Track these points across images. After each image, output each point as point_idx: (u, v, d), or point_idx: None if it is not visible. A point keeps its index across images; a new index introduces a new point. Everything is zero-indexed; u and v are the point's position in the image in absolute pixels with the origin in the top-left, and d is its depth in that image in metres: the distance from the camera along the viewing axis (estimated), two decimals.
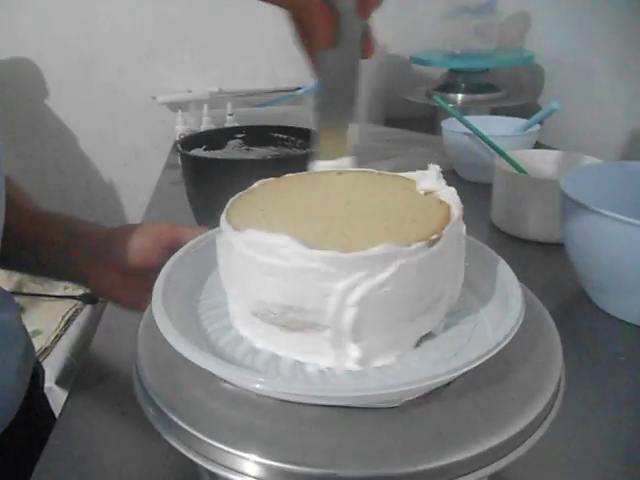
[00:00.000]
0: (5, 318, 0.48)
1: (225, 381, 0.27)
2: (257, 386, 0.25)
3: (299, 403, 0.26)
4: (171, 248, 0.44)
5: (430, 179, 0.32)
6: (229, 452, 0.24)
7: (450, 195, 0.31)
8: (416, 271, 0.27)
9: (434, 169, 0.33)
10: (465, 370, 0.25)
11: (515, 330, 0.27)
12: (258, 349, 0.30)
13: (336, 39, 0.35)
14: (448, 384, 0.26)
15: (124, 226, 0.48)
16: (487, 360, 0.26)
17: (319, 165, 0.38)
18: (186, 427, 0.25)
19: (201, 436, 0.24)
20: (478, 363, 0.25)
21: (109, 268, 0.46)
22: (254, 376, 0.25)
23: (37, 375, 0.56)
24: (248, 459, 0.23)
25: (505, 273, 0.32)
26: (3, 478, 0.48)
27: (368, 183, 0.35)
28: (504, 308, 0.30)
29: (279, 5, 0.35)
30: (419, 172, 0.34)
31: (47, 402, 0.60)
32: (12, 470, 0.47)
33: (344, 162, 0.38)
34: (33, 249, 0.47)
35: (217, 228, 0.32)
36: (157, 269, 0.45)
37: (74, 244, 0.47)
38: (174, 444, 0.25)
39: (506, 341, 0.26)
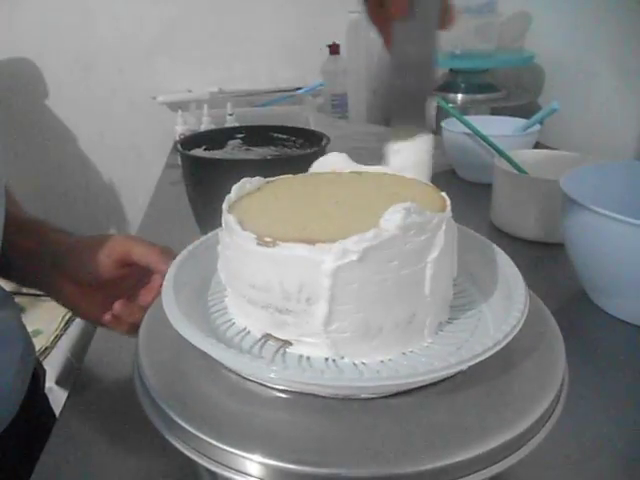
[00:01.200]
0: (5, 318, 0.48)
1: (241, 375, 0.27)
2: (271, 375, 0.25)
3: (300, 402, 0.26)
4: (123, 262, 0.43)
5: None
6: (230, 451, 0.24)
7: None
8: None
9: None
10: (476, 361, 0.25)
11: (521, 324, 0.27)
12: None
13: (411, 9, 0.34)
14: (449, 384, 0.26)
15: (84, 237, 0.47)
16: (488, 361, 0.26)
17: (395, 148, 0.36)
18: (187, 426, 0.25)
19: (202, 435, 0.24)
20: (489, 354, 0.25)
21: (67, 280, 0.45)
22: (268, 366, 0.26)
23: (38, 375, 0.56)
24: (249, 458, 0.23)
25: (508, 267, 0.33)
26: (3, 478, 0.48)
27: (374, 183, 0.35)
28: (507, 302, 0.30)
29: None
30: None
31: (48, 402, 0.60)
32: (12, 470, 0.47)
33: (420, 142, 0.36)
34: (5, 254, 0.46)
35: (214, 231, 0.33)
36: (113, 282, 0.45)
37: (41, 253, 0.46)
38: (175, 443, 0.25)
39: (513, 334, 0.26)
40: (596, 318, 0.56)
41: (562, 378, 0.27)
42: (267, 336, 0.30)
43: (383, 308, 0.28)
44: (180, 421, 0.25)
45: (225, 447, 0.24)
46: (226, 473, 0.24)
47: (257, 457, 0.23)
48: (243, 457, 0.23)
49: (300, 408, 0.26)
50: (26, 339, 0.52)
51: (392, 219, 0.26)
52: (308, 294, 0.27)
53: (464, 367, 0.25)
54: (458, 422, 0.25)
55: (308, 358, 0.29)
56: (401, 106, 0.37)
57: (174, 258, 0.35)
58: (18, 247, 0.47)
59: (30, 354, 0.53)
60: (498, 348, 0.26)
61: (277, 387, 0.27)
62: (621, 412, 0.44)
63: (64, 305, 0.48)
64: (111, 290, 0.45)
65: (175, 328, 0.28)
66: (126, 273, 0.44)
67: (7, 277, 0.50)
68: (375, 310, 0.28)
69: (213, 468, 0.24)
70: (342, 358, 0.29)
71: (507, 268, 0.33)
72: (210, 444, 0.24)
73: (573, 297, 0.59)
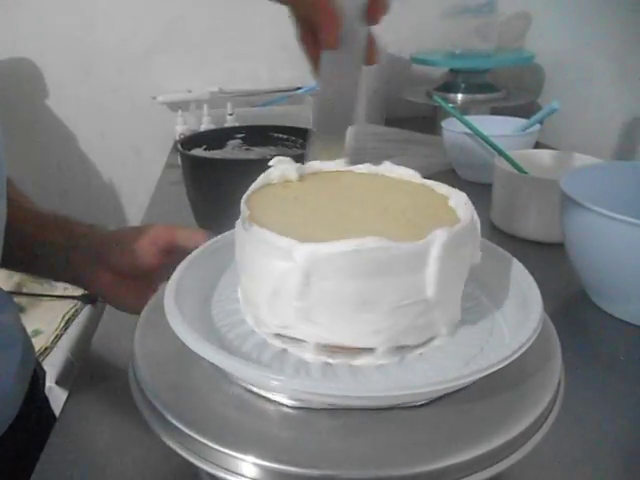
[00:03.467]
0: (4, 320, 0.48)
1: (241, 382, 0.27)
2: (275, 383, 0.25)
3: (295, 404, 0.26)
4: (168, 250, 0.44)
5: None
6: (226, 453, 0.24)
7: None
8: None
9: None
10: (494, 369, 0.25)
11: (538, 331, 0.27)
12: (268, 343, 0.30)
13: (340, 41, 0.35)
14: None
15: (123, 228, 0.48)
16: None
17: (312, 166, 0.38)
18: (183, 428, 0.25)
19: (198, 437, 0.24)
20: (505, 363, 0.25)
21: (107, 270, 0.46)
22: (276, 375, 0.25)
23: (37, 377, 0.56)
24: (245, 460, 0.23)
25: (522, 275, 0.33)
26: None
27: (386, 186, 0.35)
28: (522, 311, 0.30)
29: (285, 3, 0.35)
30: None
31: (48, 404, 0.60)
32: (12, 473, 0.47)
33: (338, 165, 0.38)
34: (31, 249, 0.47)
35: (228, 232, 0.33)
36: (154, 271, 0.45)
37: (73, 246, 0.47)
38: (171, 445, 0.25)
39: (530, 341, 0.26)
40: (596, 318, 0.56)
41: (559, 379, 0.27)
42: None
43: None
44: (174, 421, 0.25)
45: (222, 449, 0.24)
46: (222, 474, 0.24)
47: (253, 459, 0.23)
48: (237, 458, 0.23)
49: (296, 410, 0.26)
50: (26, 341, 0.52)
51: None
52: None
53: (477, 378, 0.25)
54: (455, 423, 0.25)
55: (305, 363, 0.28)
56: (322, 132, 0.39)
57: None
58: (43, 241, 0.47)
59: (30, 356, 0.53)
60: (515, 357, 0.26)
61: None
62: (621, 412, 0.44)
63: (100, 295, 0.49)
64: (149, 278, 0.46)
65: (176, 333, 0.27)
66: (167, 261, 0.45)
67: (32, 272, 0.51)
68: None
69: (209, 469, 0.24)
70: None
71: (518, 273, 0.33)
72: (206, 445, 0.24)
73: (573, 297, 0.59)
